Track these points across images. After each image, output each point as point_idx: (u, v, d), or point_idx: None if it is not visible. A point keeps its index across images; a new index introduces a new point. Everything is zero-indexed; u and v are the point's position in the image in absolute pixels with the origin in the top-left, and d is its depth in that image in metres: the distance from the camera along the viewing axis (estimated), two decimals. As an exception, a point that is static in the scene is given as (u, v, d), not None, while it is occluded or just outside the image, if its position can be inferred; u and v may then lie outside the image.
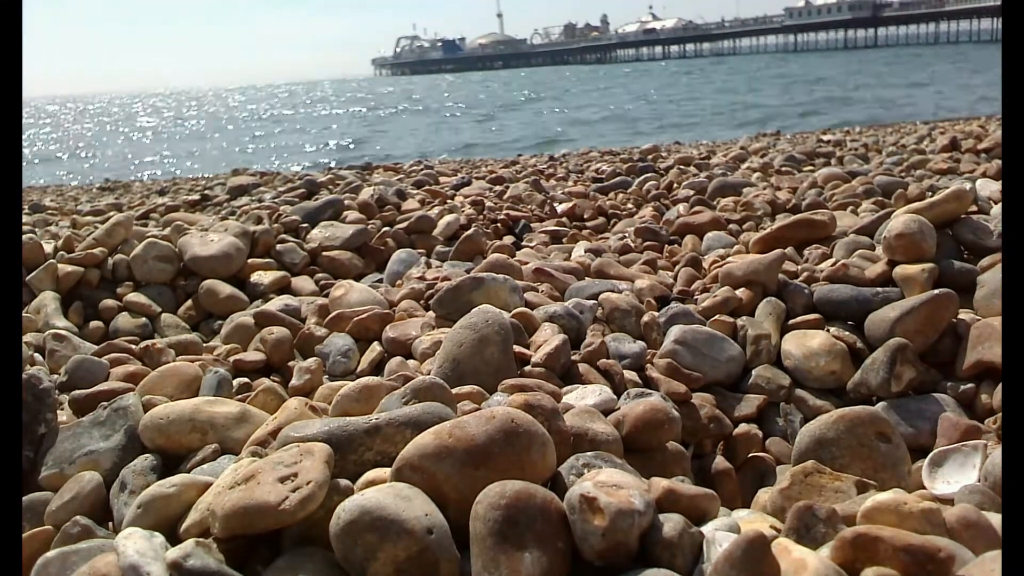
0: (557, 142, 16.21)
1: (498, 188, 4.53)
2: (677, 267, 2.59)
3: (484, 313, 1.65)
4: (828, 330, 1.88)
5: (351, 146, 19.96)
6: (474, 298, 2.04)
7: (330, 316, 2.20)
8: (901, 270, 1.92)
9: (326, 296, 2.55)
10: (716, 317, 1.95)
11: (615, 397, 1.50)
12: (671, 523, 0.93)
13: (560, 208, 3.98)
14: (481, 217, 3.65)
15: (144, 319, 2.65)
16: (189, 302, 2.76)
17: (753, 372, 1.82)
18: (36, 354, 2.13)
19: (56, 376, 1.85)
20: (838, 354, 1.80)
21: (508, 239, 3.36)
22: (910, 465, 1.30)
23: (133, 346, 2.10)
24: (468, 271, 2.50)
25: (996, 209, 2.23)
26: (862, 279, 1.98)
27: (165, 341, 2.24)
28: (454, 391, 1.37)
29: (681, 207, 3.71)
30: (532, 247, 3.17)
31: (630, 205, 4.09)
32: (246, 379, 1.85)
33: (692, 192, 4.04)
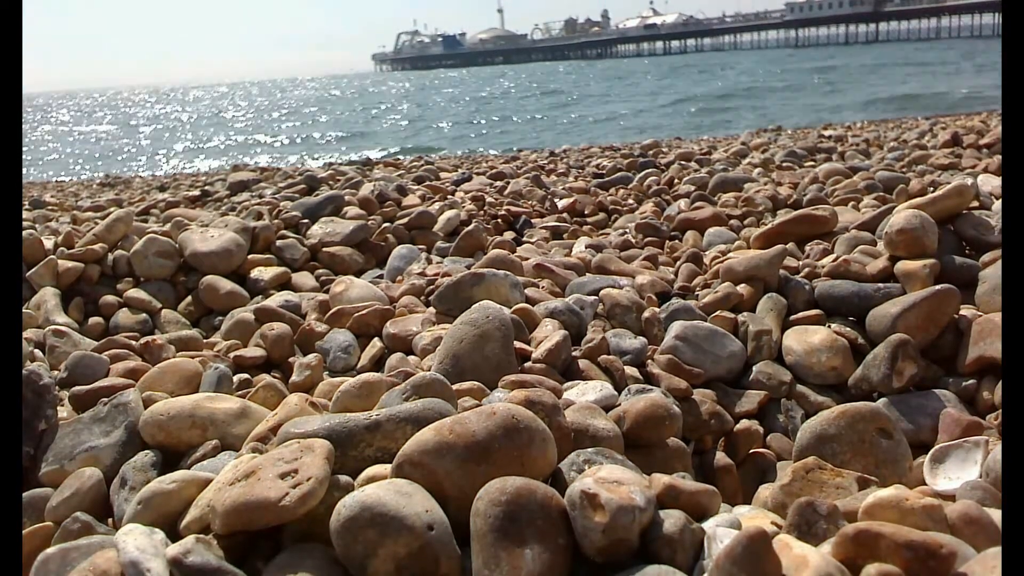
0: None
1: (499, 184, 4.53)
2: (678, 263, 2.58)
3: (485, 309, 1.65)
4: (829, 326, 1.88)
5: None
6: (475, 294, 2.04)
7: (330, 312, 2.20)
8: (902, 266, 1.91)
9: (326, 292, 2.55)
10: (717, 313, 1.94)
11: (616, 393, 1.50)
12: (672, 519, 0.93)
13: (561, 204, 3.97)
14: (482, 213, 3.64)
15: (144, 315, 2.64)
16: (189, 298, 2.76)
17: (754, 368, 1.82)
18: (36, 350, 2.13)
19: (56, 372, 1.84)
20: (839, 350, 1.79)
21: (509, 235, 3.36)
22: (911, 461, 1.30)
23: (133, 342, 2.09)
24: (469, 267, 2.50)
25: (998, 205, 2.22)
26: (863, 275, 1.98)
27: (165, 337, 2.23)
28: (455, 387, 1.37)
29: (682, 203, 3.70)
30: (533, 243, 3.17)
31: (631, 201, 4.08)
32: (246, 375, 1.85)
33: (693, 188, 4.03)
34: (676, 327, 1.84)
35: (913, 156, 4.37)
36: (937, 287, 1.78)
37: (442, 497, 0.98)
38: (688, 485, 1.03)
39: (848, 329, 1.85)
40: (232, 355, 2.00)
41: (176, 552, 0.93)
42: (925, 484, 1.19)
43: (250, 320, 2.26)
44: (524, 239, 3.31)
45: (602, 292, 2.08)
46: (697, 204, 3.56)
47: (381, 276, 2.93)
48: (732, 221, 3.25)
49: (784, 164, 4.66)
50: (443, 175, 4.86)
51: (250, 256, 2.97)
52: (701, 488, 1.03)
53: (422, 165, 5.52)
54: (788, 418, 1.73)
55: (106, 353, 1.93)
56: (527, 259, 2.53)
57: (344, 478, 1.04)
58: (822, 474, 1.15)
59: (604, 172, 4.93)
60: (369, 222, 3.37)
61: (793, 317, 1.94)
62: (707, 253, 2.67)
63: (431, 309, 2.11)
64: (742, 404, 1.73)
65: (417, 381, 1.30)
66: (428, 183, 4.38)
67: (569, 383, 1.56)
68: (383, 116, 30.18)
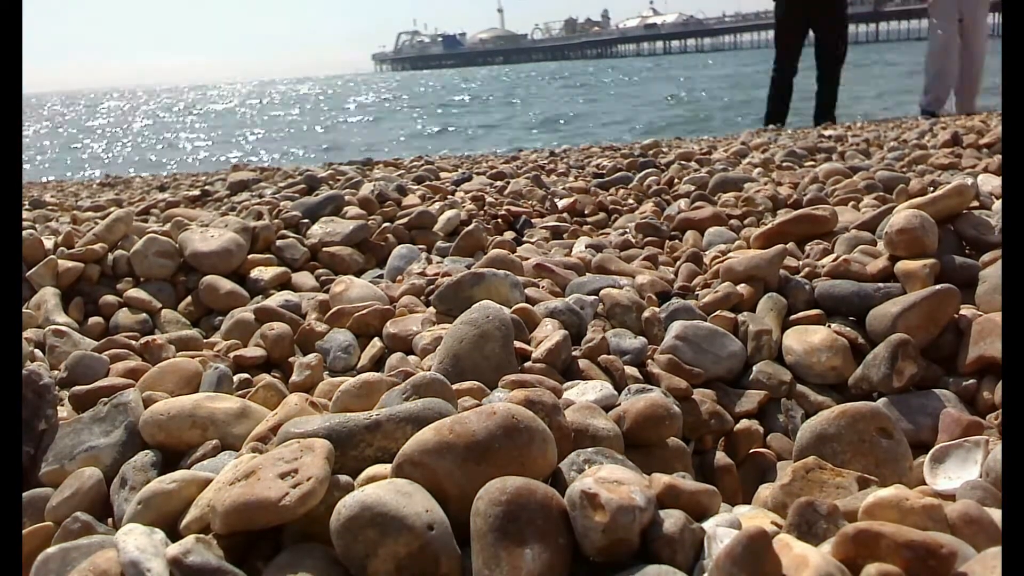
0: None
1: (499, 184, 4.53)
2: (678, 263, 2.58)
3: (485, 309, 1.65)
4: (829, 326, 1.88)
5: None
6: (475, 294, 2.04)
7: (330, 312, 2.20)
8: (902, 265, 1.91)
9: (326, 292, 2.55)
10: (717, 313, 1.94)
11: (616, 393, 1.50)
12: (672, 519, 0.93)
13: (561, 204, 3.97)
14: (482, 213, 3.64)
15: (144, 315, 2.64)
16: (189, 298, 2.76)
17: (754, 368, 1.82)
18: (36, 350, 2.13)
19: (56, 372, 1.84)
20: (839, 350, 1.79)
21: (509, 235, 3.35)
22: (911, 461, 1.30)
23: (133, 342, 2.09)
24: (469, 267, 2.49)
25: (998, 204, 2.22)
26: (863, 274, 1.98)
27: (165, 337, 2.23)
28: (454, 387, 1.37)
29: (682, 202, 3.70)
30: (533, 243, 3.17)
31: (631, 200, 4.08)
32: (246, 375, 1.85)
33: (693, 187, 4.03)
34: (676, 327, 1.84)
35: (913, 156, 4.37)
36: (937, 287, 1.78)
37: (442, 497, 0.98)
38: (688, 485, 1.03)
39: (848, 329, 1.85)
40: (232, 355, 2.00)
41: (176, 552, 0.93)
42: (925, 484, 1.19)
43: (250, 320, 2.26)
44: (524, 239, 3.31)
45: (602, 292, 2.08)
46: (697, 204, 3.56)
47: (381, 276, 2.93)
48: (732, 221, 3.25)
49: (784, 164, 4.65)
50: (443, 175, 4.86)
51: (250, 256, 2.97)
52: (701, 488, 1.03)
53: (422, 165, 5.51)
54: (788, 418, 1.73)
55: (106, 353, 1.93)
56: (527, 259, 2.53)
57: (344, 478, 1.04)
58: (822, 474, 1.15)
59: (604, 172, 4.92)
60: (369, 222, 3.37)
61: (793, 317, 1.94)
62: (707, 253, 2.66)
63: (431, 309, 2.11)
64: (742, 404, 1.73)
65: (417, 381, 1.30)
66: (428, 183, 4.38)
67: (569, 383, 1.55)
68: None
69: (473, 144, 15.65)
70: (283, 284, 2.88)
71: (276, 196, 3.96)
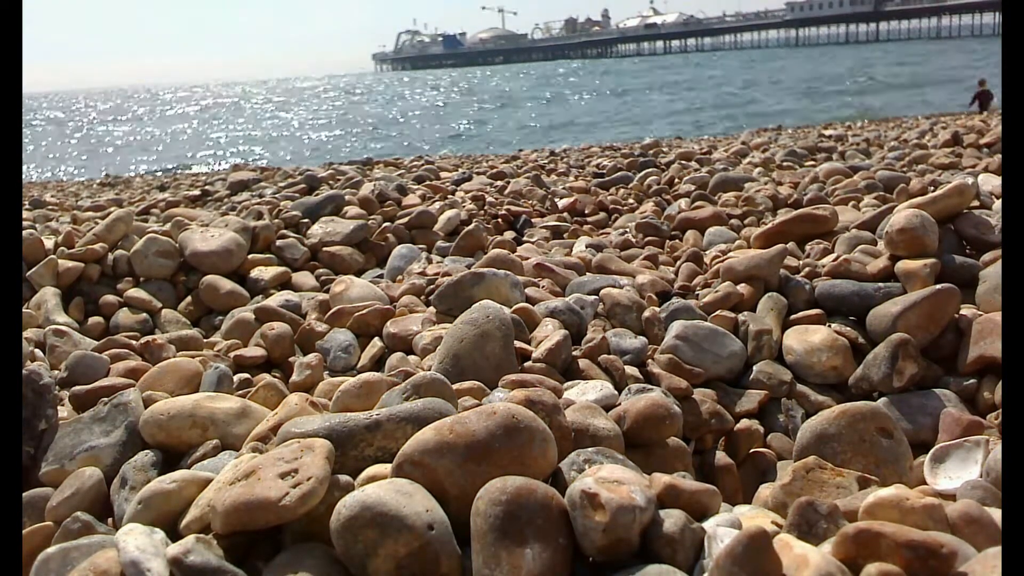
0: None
1: (499, 183, 4.53)
2: (678, 262, 2.58)
3: (485, 308, 1.65)
4: (830, 325, 1.88)
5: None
6: (475, 293, 2.04)
7: (331, 312, 2.20)
8: (903, 265, 1.91)
9: (327, 292, 2.55)
10: (717, 312, 1.94)
11: (616, 393, 1.50)
12: (672, 519, 0.93)
13: (561, 203, 3.97)
14: (482, 212, 3.64)
15: (144, 315, 2.65)
16: (189, 298, 2.76)
17: (754, 368, 1.82)
18: (36, 350, 2.13)
19: (56, 372, 1.85)
20: (840, 349, 1.79)
21: (509, 234, 3.36)
22: (912, 461, 1.30)
23: (133, 342, 2.09)
24: (469, 266, 2.49)
25: (998, 204, 2.22)
26: (864, 274, 1.98)
27: (165, 337, 2.23)
28: (455, 387, 1.37)
29: (682, 202, 3.70)
30: (533, 242, 3.17)
31: (631, 200, 4.08)
32: (247, 375, 1.85)
33: (693, 187, 4.03)
34: (676, 327, 1.84)
35: (913, 155, 4.37)
36: (938, 286, 1.78)
37: (442, 497, 0.98)
38: (688, 484, 1.03)
39: (848, 329, 1.85)
40: (232, 355, 2.00)
41: (176, 552, 0.93)
42: (925, 483, 1.19)
43: (250, 320, 2.26)
44: (524, 239, 3.31)
45: (602, 292, 2.08)
46: (697, 203, 3.56)
47: (381, 276, 2.93)
48: (732, 220, 3.25)
49: (784, 163, 4.66)
50: (443, 175, 4.86)
51: (250, 256, 2.97)
52: (701, 487, 1.03)
53: (422, 165, 5.52)
54: (788, 417, 1.73)
55: (106, 353, 1.93)
56: (527, 259, 2.53)
57: (344, 478, 1.04)
58: (822, 473, 1.15)
59: (604, 172, 4.93)
60: (369, 222, 3.37)
61: (793, 316, 1.94)
62: (707, 252, 2.67)
63: (431, 309, 2.11)
64: (742, 403, 1.73)
65: (417, 381, 1.30)
66: (428, 183, 4.39)
67: (569, 383, 1.56)
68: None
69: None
70: (283, 284, 2.88)
71: (276, 196, 3.96)
